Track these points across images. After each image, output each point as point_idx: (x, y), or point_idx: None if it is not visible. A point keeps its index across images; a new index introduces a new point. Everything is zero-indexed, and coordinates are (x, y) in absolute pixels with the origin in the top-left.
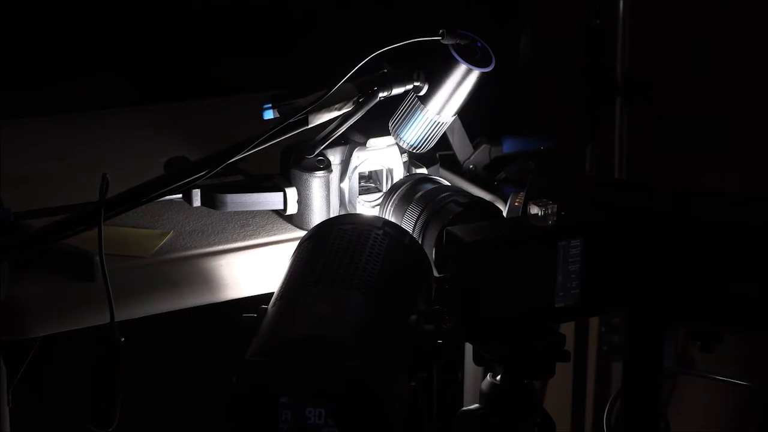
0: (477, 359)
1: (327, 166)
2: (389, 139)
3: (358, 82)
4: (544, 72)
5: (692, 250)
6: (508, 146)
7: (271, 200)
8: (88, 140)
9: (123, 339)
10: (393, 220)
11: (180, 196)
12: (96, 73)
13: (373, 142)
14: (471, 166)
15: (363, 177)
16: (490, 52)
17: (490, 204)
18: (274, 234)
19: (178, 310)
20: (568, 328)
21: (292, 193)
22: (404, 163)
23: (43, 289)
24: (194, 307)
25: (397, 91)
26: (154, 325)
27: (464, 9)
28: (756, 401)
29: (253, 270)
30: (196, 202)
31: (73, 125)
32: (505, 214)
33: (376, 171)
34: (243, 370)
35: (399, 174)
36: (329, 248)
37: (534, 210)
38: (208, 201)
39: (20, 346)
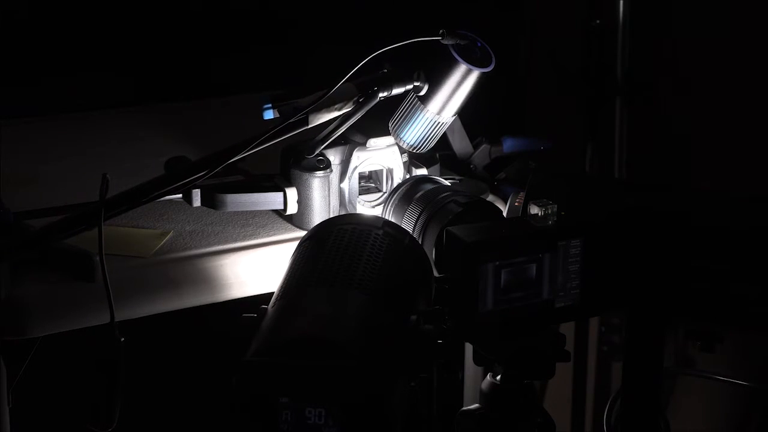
0: (477, 359)
1: (327, 166)
2: (389, 139)
3: (358, 82)
4: (544, 72)
5: (692, 250)
6: (508, 146)
7: (271, 200)
8: (88, 140)
9: (123, 339)
10: (393, 220)
11: (180, 196)
12: (96, 72)
13: (373, 142)
14: (471, 166)
15: (363, 177)
16: (490, 52)
17: (490, 204)
18: (274, 234)
19: (179, 310)
20: (568, 328)
21: (292, 193)
22: (404, 163)
23: (43, 289)
24: (194, 307)
25: (397, 91)
26: (154, 325)
27: (464, 9)
28: (756, 401)
29: (253, 270)
30: (196, 202)
31: (73, 125)
32: (505, 214)
33: (376, 171)
34: (243, 370)
35: (399, 174)
36: (329, 248)
37: (534, 210)
38: (208, 201)
39: (20, 346)
